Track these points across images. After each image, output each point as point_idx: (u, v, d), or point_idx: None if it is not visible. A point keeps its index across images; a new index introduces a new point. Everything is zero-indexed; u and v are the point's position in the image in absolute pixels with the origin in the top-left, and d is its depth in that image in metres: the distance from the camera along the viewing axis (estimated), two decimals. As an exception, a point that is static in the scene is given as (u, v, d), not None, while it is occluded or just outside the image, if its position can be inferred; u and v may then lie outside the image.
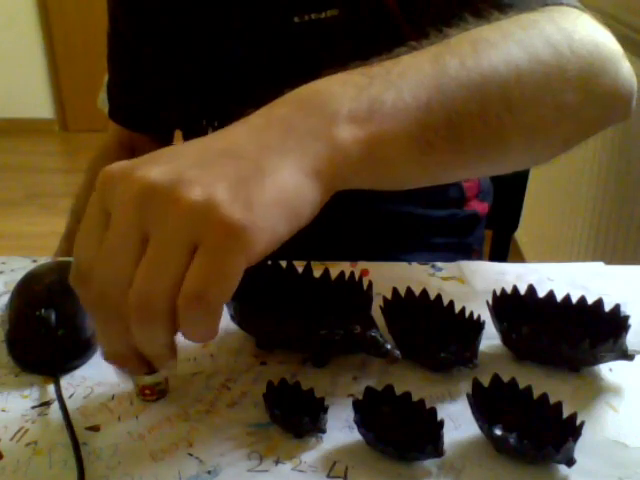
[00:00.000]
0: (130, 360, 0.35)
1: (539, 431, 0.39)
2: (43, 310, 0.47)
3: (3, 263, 0.61)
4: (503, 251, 1.06)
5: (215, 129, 0.72)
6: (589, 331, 0.45)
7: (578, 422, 0.38)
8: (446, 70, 0.41)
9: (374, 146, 0.37)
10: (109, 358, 0.35)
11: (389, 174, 0.40)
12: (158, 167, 0.33)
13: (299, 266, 0.51)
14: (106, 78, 0.87)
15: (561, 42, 0.45)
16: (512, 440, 0.38)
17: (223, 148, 0.35)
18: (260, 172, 0.33)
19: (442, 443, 0.38)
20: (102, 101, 0.91)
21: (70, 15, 3.53)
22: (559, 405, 0.39)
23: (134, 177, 0.33)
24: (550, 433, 0.38)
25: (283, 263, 0.51)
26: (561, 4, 0.50)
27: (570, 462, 0.37)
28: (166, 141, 0.90)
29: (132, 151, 0.88)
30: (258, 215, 0.32)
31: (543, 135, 0.46)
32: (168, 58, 0.75)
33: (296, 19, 0.65)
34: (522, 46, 0.44)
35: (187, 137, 0.83)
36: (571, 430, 0.38)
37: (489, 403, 0.40)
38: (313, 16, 0.64)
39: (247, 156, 0.34)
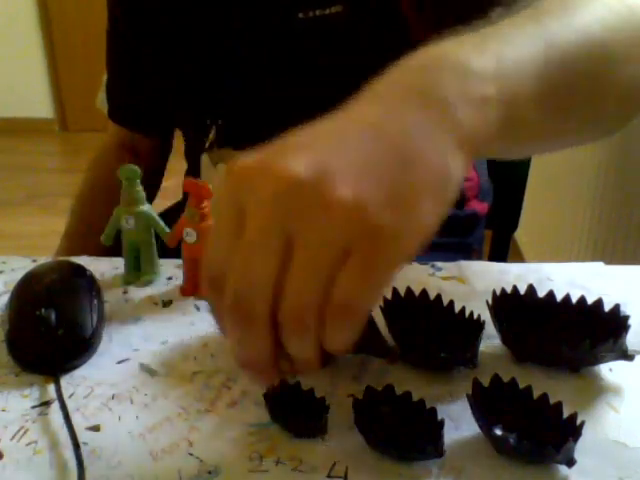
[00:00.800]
0: (267, 368, 0.33)
1: (539, 431, 0.39)
2: (43, 310, 0.47)
3: (3, 263, 0.61)
4: (503, 251, 1.06)
5: (219, 128, 0.72)
6: (589, 331, 0.45)
7: (578, 422, 0.38)
8: (549, 29, 0.39)
9: (509, 103, 0.35)
10: (244, 366, 0.33)
11: (523, 135, 0.38)
12: (297, 158, 0.30)
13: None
14: (105, 78, 0.87)
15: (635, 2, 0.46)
16: (512, 440, 0.38)
17: (361, 130, 0.32)
18: (407, 159, 0.31)
19: (442, 443, 0.38)
20: (101, 101, 0.91)
21: (70, 15, 3.53)
22: (559, 405, 0.39)
23: (273, 170, 0.30)
24: (550, 433, 0.38)
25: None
26: None
27: (570, 462, 0.37)
28: (166, 141, 0.90)
29: (132, 151, 0.87)
30: (412, 216, 0.30)
31: (636, 93, 0.46)
32: (168, 58, 0.75)
33: (300, 15, 0.65)
34: (606, 6, 0.44)
35: (188, 136, 0.83)
36: (571, 430, 0.38)
37: (489, 403, 0.40)
38: (317, 12, 0.65)
39: (389, 141, 0.31)
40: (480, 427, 0.40)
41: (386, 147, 0.31)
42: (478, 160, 0.87)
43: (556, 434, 0.38)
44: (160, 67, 0.76)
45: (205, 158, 0.74)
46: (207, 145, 0.74)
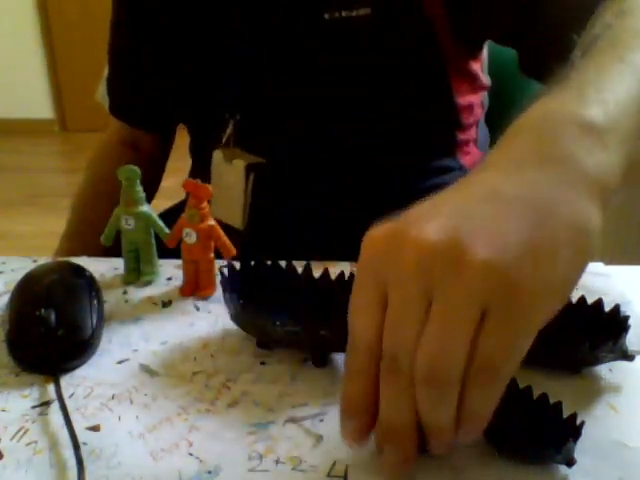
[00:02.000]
0: (407, 437, 0.33)
1: (539, 431, 0.39)
2: (43, 310, 0.47)
3: (3, 263, 0.61)
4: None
5: (237, 122, 0.72)
6: (589, 331, 0.45)
7: (578, 422, 0.38)
8: (635, 64, 0.39)
9: (622, 146, 0.35)
10: (385, 436, 0.33)
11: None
12: (429, 225, 0.31)
13: (299, 266, 0.51)
14: (105, 71, 0.87)
15: None
16: (512, 440, 0.38)
17: (485, 197, 0.32)
18: (539, 216, 0.31)
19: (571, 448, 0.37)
20: (102, 95, 0.90)
21: (70, 15, 3.53)
22: (559, 405, 0.39)
23: (409, 240, 0.31)
24: (550, 433, 0.38)
25: (283, 263, 0.51)
26: None
27: (570, 462, 0.37)
28: (168, 137, 0.90)
29: (134, 148, 0.87)
30: (550, 271, 0.30)
31: None
32: (183, 53, 0.75)
33: (326, 15, 0.65)
34: None
35: (198, 132, 0.82)
36: (571, 430, 0.38)
37: None
38: (344, 13, 0.65)
39: (517, 200, 0.31)
40: None
41: (516, 207, 0.31)
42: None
43: (556, 434, 0.38)
44: (176, 61, 0.76)
45: (218, 154, 0.74)
46: (224, 140, 0.73)
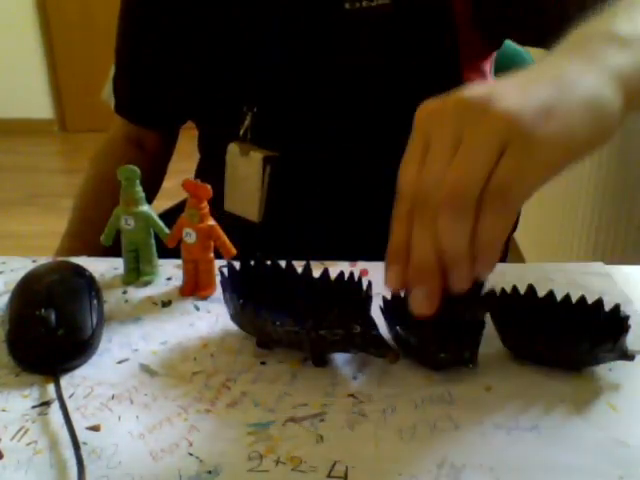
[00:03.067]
0: (432, 274, 0.37)
1: (589, 332, 0.40)
2: (43, 310, 0.47)
3: (3, 263, 0.61)
4: (503, 251, 1.06)
5: (254, 115, 0.72)
6: (589, 331, 0.45)
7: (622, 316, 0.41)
8: None
9: None
10: (417, 270, 0.38)
11: None
12: (467, 90, 0.37)
13: (299, 266, 0.51)
14: (112, 71, 0.87)
15: None
16: (565, 344, 0.39)
17: (522, 77, 0.39)
18: (561, 87, 0.37)
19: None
20: (107, 94, 0.90)
21: (70, 15, 3.53)
22: (599, 302, 0.42)
23: (449, 99, 0.37)
24: (600, 330, 0.40)
25: (283, 263, 0.51)
26: None
27: (631, 356, 0.38)
28: (172, 135, 0.90)
29: (138, 145, 0.87)
30: (558, 127, 0.36)
31: None
32: (198, 47, 0.74)
33: (347, 5, 0.66)
34: None
35: (211, 126, 0.82)
36: (617, 324, 0.39)
37: (510, 315, 0.43)
38: (364, 3, 0.65)
39: (547, 76, 0.38)
40: (529, 339, 0.43)
41: (544, 80, 0.38)
42: None
43: (604, 330, 0.39)
44: (189, 55, 0.76)
45: (233, 147, 0.74)
46: (242, 132, 0.73)
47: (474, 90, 0.37)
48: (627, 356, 0.44)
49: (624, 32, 0.42)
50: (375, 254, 0.62)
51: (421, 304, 0.39)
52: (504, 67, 0.84)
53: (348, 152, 0.72)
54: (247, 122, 0.72)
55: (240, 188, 0.74)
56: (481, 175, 0.35)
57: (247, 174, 0.73)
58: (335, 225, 0.75)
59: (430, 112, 0.38)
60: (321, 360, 0.47)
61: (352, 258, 0.60)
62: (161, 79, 0.80)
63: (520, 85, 0.38)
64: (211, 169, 0.78)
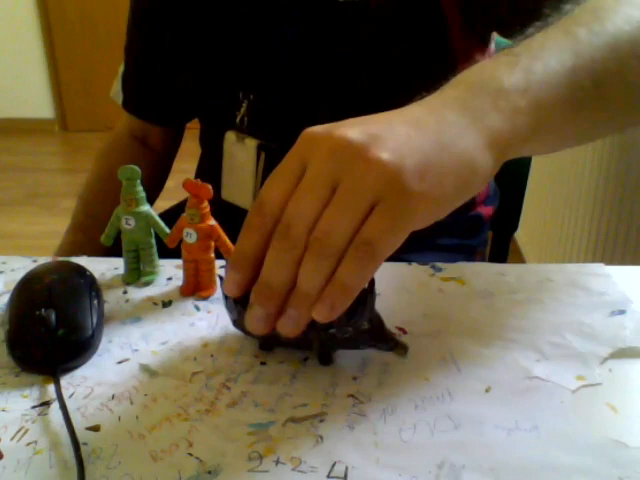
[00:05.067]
0: (276, 296, 0.38)
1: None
2: (43, 310, 0.47)
3: (3, 263, 0.61)
4: (503, 252, 1.06)
5: (251, 103, 0.73)
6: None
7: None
8: (578, 38, 0.45)
9: (536, 112, 0.41)
10: (264, 288, 0.38)
11: (550, 137, 0.44)
12: (354, 128, 0.37)
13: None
14: (121, 68, 0.87)
15: None
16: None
17: (407, 121, 0.39)
18: (439, 145, 0.38)
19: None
20: (115, 92, 0.91)
21: (70, 15, 3.53)
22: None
23: (334, 134, 0.37)
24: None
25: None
26: None
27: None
28: (177, 133, 0.91)
29: (143, 142, 0.88)
30: (432, 186, 0.37)
31: None
32: (197, 37, 0.75)
33: None
34: (635, 5, 0.48)
35: (210, 117, 0.83)
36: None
37: None
38: None
39: (429, 129, 0.38)
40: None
41: (425, 133, 0.38)
42: None
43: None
44: (189, 47, 0.76)
45: (230, 135, 0.74)
46: (238, 120, 0.74)
47: (361, 127, 0.37)
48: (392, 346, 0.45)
49: (516, 83, 0.41)
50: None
51: (257, 324, 0.39)
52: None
53: None
54: (243, 109, 0.73)
55: (236, 176, 0.75)
56: (350, 229, 0.36)
57: (242, 162, 0.74)
58: None
59: (313, 140, 0.38)
60: (328, 359, 0.47)
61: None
62: (167, 71, 0.81)
63: (405, 133, 0.38)
64: (211, 160, 0.78)
